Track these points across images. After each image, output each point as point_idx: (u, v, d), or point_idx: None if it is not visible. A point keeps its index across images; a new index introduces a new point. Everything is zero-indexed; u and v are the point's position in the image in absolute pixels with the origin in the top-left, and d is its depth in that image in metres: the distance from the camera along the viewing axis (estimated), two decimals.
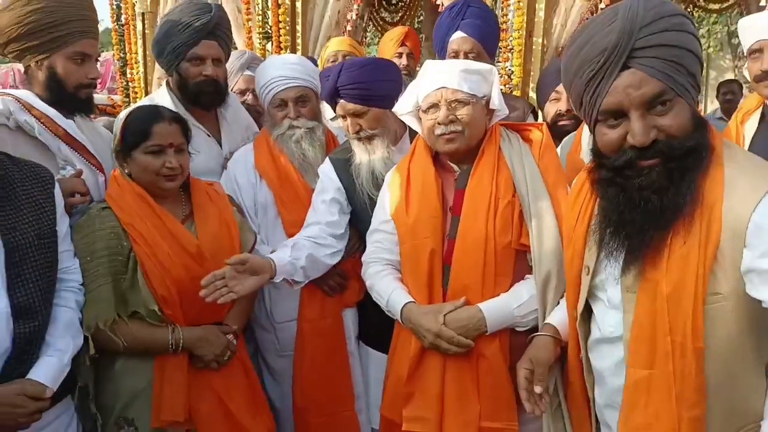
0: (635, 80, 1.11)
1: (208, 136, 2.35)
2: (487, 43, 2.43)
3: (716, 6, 5.94)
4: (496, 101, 1.69)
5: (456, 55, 2.36)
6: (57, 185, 1.70)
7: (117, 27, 4.78)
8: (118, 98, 5.47)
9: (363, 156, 1.99)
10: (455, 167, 1.74)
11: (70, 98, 1.91)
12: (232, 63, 2.64)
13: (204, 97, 2.28)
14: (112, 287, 1.71)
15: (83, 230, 1.75)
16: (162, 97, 2.33)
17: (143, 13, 4.62)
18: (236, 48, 3.81)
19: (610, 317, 1.26)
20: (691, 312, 1.10)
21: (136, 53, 4.72)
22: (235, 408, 1.83)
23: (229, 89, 2.49)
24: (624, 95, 1.11)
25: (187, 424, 1.76)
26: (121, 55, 4.81)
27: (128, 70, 4.80)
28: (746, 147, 2.02)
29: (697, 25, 6.75)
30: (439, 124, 1.64)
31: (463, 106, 1.64)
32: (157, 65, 4.62)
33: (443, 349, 1.60)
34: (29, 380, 1.51)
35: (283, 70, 2.17)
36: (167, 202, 1.85)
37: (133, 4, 4.65)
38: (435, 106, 1.66)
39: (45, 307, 1.57)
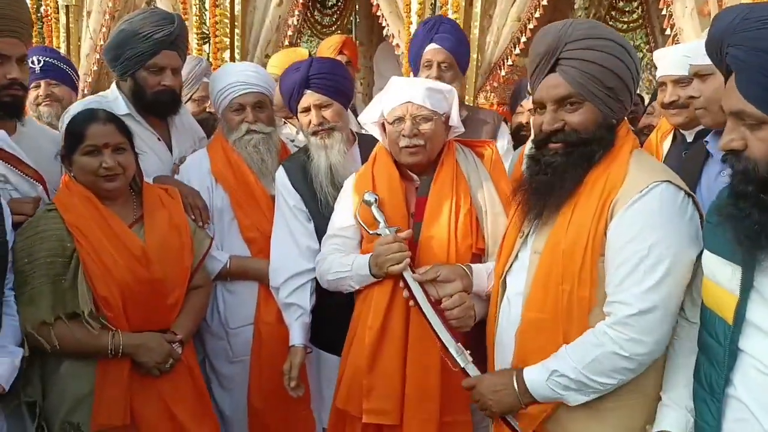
0: (554, 82, 1.41)
1: (158, 139, 2.32)
2: (459, 56, 2.57)
3: (624, 26, 6.50)
4: (455, 119, 1.83)
5: (430, 65, 2.50)
6: (2, 199, 1.68)
7: (36, 20, 4.48)
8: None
9: (320, 153, 2.03)
10: (414, 176, 1.85)
11: None
12: (191, 70, 2.61)
13: (160, 106, 2.27)
14: (49, 289, 1.70)
15: (26, 232, 1.75)
16: (113, 97, 2.29)
17: (67, 6, 4.39)
18: None
19: (522, 277, 1.48)
20: (579, 265, 1.35)
21: (58, 47, 4.45)
22: (180, 413, 1.85)
23: (187, 96, 2.47)
24: (545, 92, 1.42)
25: (129, 428, 1.76)
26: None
27: None
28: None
29: None
30: (403, 136, 1.75)
31: (426, 122, 1.75)
32: (82, 62, 4.42)
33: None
34: None
35: (241, 76, 2.19)
36: (116, 205, 1.85)
37: None
38: (401, 119, 1.76)
39: None
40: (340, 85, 2.09)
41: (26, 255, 1.70)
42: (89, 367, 1.76)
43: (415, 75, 2.62)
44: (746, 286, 1.12)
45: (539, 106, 1.45)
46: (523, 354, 1.44)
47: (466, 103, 3.08)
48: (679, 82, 2.15)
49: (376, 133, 1.89)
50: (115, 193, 1.84)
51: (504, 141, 2.59)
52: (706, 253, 1.25)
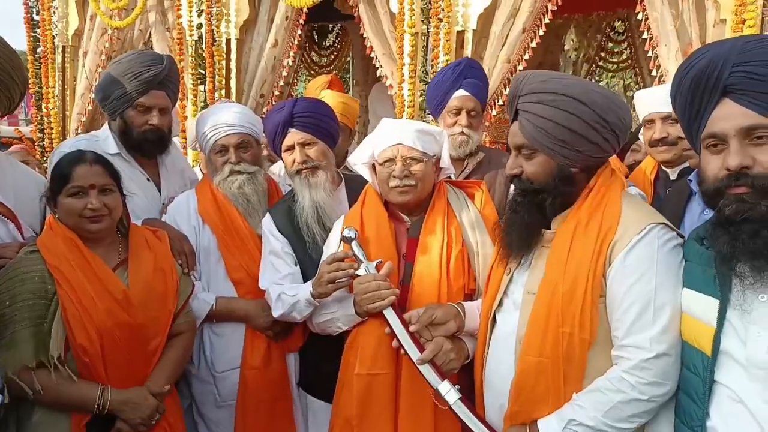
0: (514, 131, 1.49)
1: (148, 180, 2.32)
2: (484, 102, 2.57)
3: (613, 66, 6.67)
4: (446, 161, 1.85)
5: (458, 112, 2.44)
6: None
7: (33, 60, 4.54)
8: (26, 130, 5.16)
9: (305, 192, 2.02)
10: (405, 217, 1.84)
11: None
12: None
13: (147, 145, 2.27)
14: (30, 332, 1.66)
15: (8, 274, 1.72)
16: (104, 136, 2.31)
17: (64, 46, 4.46)
18: None
19: (514, 317, 1.47)
20: (580, 308, 1.35)
21: (54, 87, 4.50)
22: None
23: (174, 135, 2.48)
24: (509, 138, 1.52)
25: None
26: (37, 88, 4.55)
27: (44, 104, 4.55)
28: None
29: (597, 78, 7.53)
30: (394, 177, 1.75)
31: (417, 163, 1.77)
32: (77, 101, 4.46)
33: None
34: None
35: (224, 117, 2.19)
36: (101, 247, 1.82)
37: (53, 37, 4.47)
38: (391, 160, 1.77)
39: None
40: (325, 124, 2.09)
41: (8, 297, 1.66)
42: (63, 416, 1.70)
43: (435, 116, 2.60)
44: (721, 318, 1.17)
45: (509, 150, 1.54)
46: (522, 398, 1.42)
47: None
48: (668, 119, 2.17)
49: (365, 174, 1.89)
50: (100, 234, 1.81)
51: None
52: (685, 290, 1.29)
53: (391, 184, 1.76)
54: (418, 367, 1.58)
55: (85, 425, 1.71)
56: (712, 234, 1.20)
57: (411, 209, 1.83)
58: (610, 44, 6.48)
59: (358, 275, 1.72)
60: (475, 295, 1.77)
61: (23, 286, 1.68)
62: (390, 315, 1.65)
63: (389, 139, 1.79)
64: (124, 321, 1.74)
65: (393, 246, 1.77)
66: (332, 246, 1.89)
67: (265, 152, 2.64)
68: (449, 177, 1.95)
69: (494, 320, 1.55)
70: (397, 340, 1.63)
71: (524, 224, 1.46)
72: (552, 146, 1.41)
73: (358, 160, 1.88)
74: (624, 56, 6.45)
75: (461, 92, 2.46)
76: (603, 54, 6.43)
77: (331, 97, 2.73)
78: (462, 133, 2.42)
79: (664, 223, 1.37)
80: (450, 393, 1.52)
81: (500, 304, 1.54)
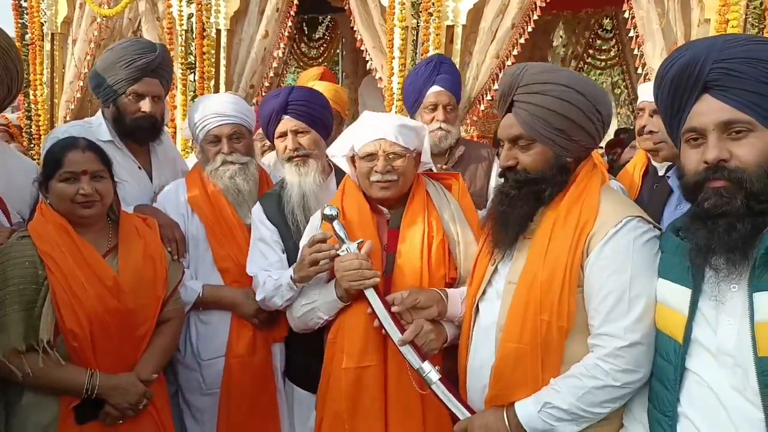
0: (508, 122, 1.51)
1: (139, 168, 2.33)
2: (458, 96, 2.65)
3: (601, 64, 6.74)
4: (426, 156, 1.88)
5: (435, 108, 2.53)
6: None
7: (21, 46, 4.49)
8: (12, 117, 5.10)
9: (294, 179, 2.04)
10: (384, 210, 1.86)
11: None
12: None
13: (140, 132, 2.28)
14: (20, 316, 1.68)
15: None
16: (98, 123, 2.32)
17: (52, 34, 4.42)
18: None
19: (496, 306, 1.52)
20: (558, 297, 1.39)
21: (41, 74, 4.46)
22: None
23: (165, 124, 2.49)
24: (502, 130, 1.54)
25: None
26: (25, 75, 4.51)
27: (31, 92, 4.51)
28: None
29: (585, 75, 7.60)
30: (376, 172, 1.77)
31: (399, 158, 1.78)
32: (65, 88, 4.42)
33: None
34: None
35: (217, 107, 2.20)
36: (91, 233, 1.84)
37: (41, 24, 4.42)
38: (373, 155, 1.78)
39: None
40: (319, 114, 2.10)
41: None
42: (51, 398, 1.73)
43: (411, 114, 2.65)
44: (693, 306, 1.21)
45: (500, 143, 1.55)
46: (502, 383, 1.46)
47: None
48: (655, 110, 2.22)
49: (344, 166, 1.91)
50: (91, 220, 1.83)
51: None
52: (660, 280, 1.33)
53: (372, 178, 1.78)
54: (399, 348, 1.61)
55: (73, 408, 1.73)
56: (690, 227, 1.23)
57: (390, 202, 1.85)
58: (599, 41, 6.54)
59: (339, 255, 1.72)
60: (456, 284, 1.81)
61: (14, 271, 1.69)
62: (371, 296, 1.67)
63: (371, 133, 1.79)
64: (114, 307, 1.76)
65: (376, 237, 1.79)
66: (312, 231, 1.90)
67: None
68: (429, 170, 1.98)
69: (477, 310, 1.59)
70: (378, 320, 1.65)
71: (520, 216, 1.48)
72: (551, 135, 1.45)
73: (338, 153, 1.88)
74: (612, 54, 6.52)
75: (436, 88, 2.52)
76: (591, 51, 6.49)
77: (322, 86, 2.76)
78: (440, 128, 2.49)
79: (641, 216, 1.40)
80: (431, 373, 1.56)
81: (484, 293, 1.58)
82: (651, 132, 2.14)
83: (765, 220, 1.14)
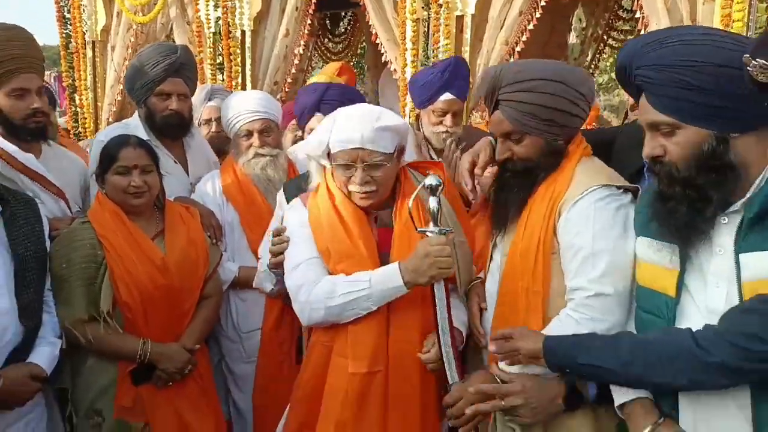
0: (497, 120, 1.60)
1: (175, 162, 2.55)
2: (466, 96, 2.68)
3: (620, 45, 6.66)
4: (408, 156, 1.81)
5: (444, 114, 2.53)
6: (41, 209, 1.94)
7: (66, 54, 4.84)
8: (60, 121, 5.47)
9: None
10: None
11: (21, 129, 2.10)
12: (197, 97, 2.86)
13: (169, 128, 2.49)
14: (84, 290, 1.94)
15: (63, 241, 1.99)
16: (135, 124, 2.54)
17: (93, 42, 4.73)
18: None
19: (496, 278, 1.64)
20: (533, 263, 1.51)
21: (86, 80, 4.80)
22: (185, 409, 2.06)
23: (195, 121, 2.71)
24: (494, 127, 1.63)
25: (141, 416, 1.99)
26: (71, 81, 4.87)
27: (77, 97, 4.86)
28: None
29: (606, 56, 7.51)
30: (354, 183, 1.67)
31: (378, 168, 1.65)
32: (107, 92, 4.76)
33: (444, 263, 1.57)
34: (33, 363, 1.76)
35: (248, 104, 2.40)
36: (141, 219, 2.09)
37: (83, 33, 4.74)
38: (350, 166, 1.65)
39: (40, 309, 1.84)
40: None
41: (64, 261, 1.94)
42: (110, 364, 1.98)
43: (417, 107, 2.69)
44: (684, 260, 1.27)
45: (495, 137, 1.67)
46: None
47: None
48: None
49: (312, 166, 1.83)
50: (141, 208, 2.07)
51: None
52: (641, 239, 1.39)
53: (351, 188, 1.69)
54: (443, 354, 1.55)
55: (129, 372, 1.99)
56: (653, 203, 1.31)
57: (374, 207, 1.75)
58: (618, 22, 6.49)
59: (428, 236, 1.57)
60: (454, 284, 1.72)
61: (77, 252, 1.95)
62: (440, 290, 1.57)
63: (348, 140, 1.64)
64: (162, 283, 2.01)
65: (371, 236, 1.72)
66: (304, 235, 1.77)
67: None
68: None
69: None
70: (436, 319, 1.56)
71: (518, 199, 1.58)
72: (540, 127, 1.54)
73: (311, 153, 1.76)
74: (633, 36, 6.45)
75: (448, 96, 2.51)
76: (611, 32, 6.46)
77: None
78: (447, 131, 2.54)
79: (609, 185, 1.50)
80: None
81: (488, 269, 1.69)
82: None
83: (706, 195, 1.21)
